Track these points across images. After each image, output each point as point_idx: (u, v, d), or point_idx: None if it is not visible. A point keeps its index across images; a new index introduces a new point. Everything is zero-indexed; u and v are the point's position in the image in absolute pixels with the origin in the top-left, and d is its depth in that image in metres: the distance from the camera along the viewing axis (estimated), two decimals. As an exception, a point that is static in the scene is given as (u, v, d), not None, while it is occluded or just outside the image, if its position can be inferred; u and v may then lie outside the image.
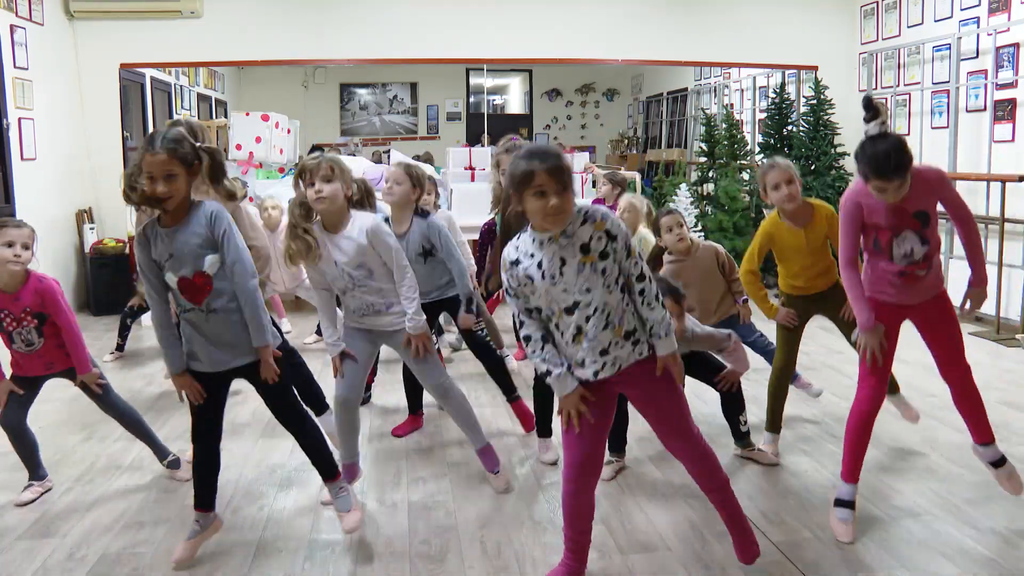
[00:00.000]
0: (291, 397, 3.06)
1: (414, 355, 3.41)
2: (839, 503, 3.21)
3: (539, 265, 2.48)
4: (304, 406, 3.14)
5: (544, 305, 2.54)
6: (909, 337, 3.27)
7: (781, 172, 3.62)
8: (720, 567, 2.94)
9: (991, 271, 6.52)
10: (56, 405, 4.71)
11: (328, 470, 3.09)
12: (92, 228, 7.72)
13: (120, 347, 6.00)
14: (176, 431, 4.23)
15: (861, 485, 3.57)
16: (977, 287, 3.19)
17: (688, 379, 3.13)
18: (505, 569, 2.93)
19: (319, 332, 6.11)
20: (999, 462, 3.27)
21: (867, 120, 2.92)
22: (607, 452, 3.80)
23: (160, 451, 3.77)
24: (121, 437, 4.18)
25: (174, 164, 2.71)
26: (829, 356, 5.62)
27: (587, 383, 2.59)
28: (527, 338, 2.59)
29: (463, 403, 3.62)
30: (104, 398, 3.62)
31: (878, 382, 3.13)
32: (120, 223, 7.84)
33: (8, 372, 3.52)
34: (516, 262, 2.51)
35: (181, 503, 3.46)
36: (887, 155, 2.82)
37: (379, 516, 3.37)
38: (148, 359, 5.91)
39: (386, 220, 3.97)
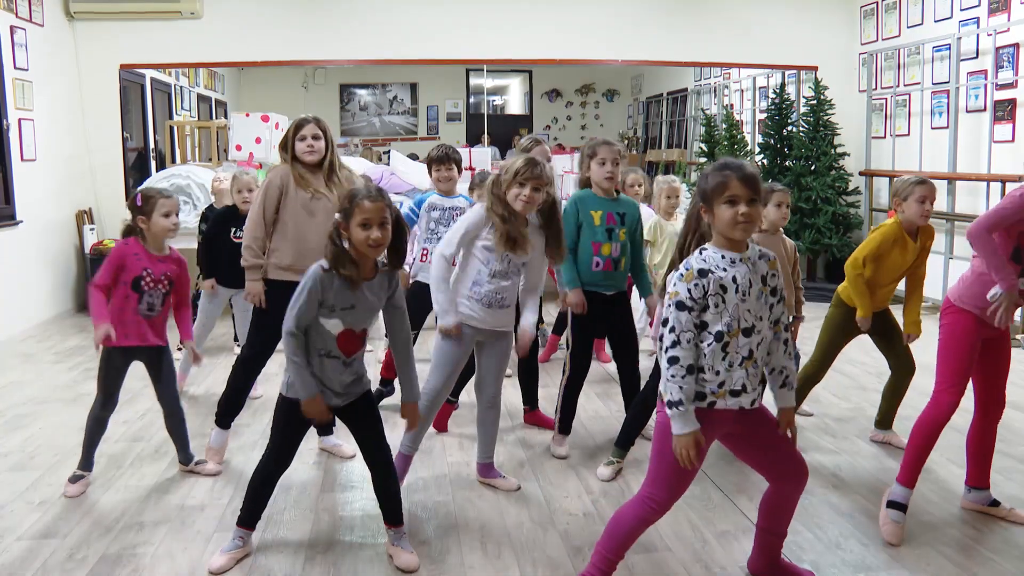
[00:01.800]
0: (385, 437, 3.05)
1: (523, 353, 3.67)
2: (892, 504, 3.20)
3: (734, 279, 2.46)
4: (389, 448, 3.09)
5: (722, 322, 2.46)
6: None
7: (932, 189, 3.70)
8: (720, 567, 2.94)
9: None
10: (56, 406, 4.72)
11: (395, 516, 3.04)
12: (92, 229, 7.73)
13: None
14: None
15: (859, 484, 3.59)
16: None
17: None
18: (505, 569, 2.93)
19: None
20: (995, 502, 3.33)
21: None
22: (612, 451, 3.83)
23: (187, 456, 3.80)
24: (121, 439, 4.19)
25: (387, 212, 2.81)
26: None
27: (721, 415, 2.53)
28: (674, 359, 2.44)
29: (498, 417, 3.69)
30: (169, 381, 3.70)
31: (958, 392, 3.15)
32: (120, 224, 7.83)
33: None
34: (707, 271, 2.46)
35: (181, 504, 3.46)
36: None
37: (380, 517, 3.37)
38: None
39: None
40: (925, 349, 3.95)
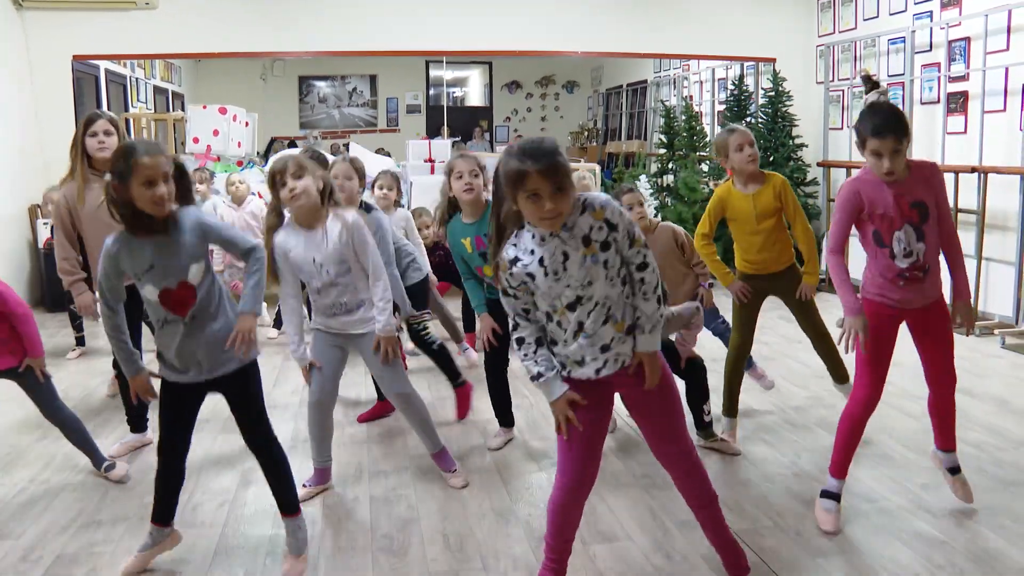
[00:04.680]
0: (265, 418, 2.92)
1: (382, 359, 3.38)
2: (825, 494, 3.23)
3: (540, 262, 2.37)
4: (274, 432, 2.96)
5: (546, 303, 2.44)
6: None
7: (743, 135, 3.78)
8: (681, 555, 2.96)
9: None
10: (11, 405, 4.63)
11: (289, 504, 2.93)
12: (46, 223, 7.58)
13: (80, 341, 5.91)
14: (122, 435, 4.14)
15: (818, 471, 3.63)
16: (960, 300, 3.18)
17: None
18: (467, 562, 2.94)
19: (277, 325, 6.12)
20: (955, 470, 3.34)
21: (867, 91, 3.03)
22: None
23: (97, 459, 3.69)
24: (77, 435, 4.12)
25: (168, 163, 2.63)
26: (788, 346, 5.68)
27: (587, 383, 2.50)
28: (519, 340, 2.48)
29: (422, 410, 3.58)
30: (47, 398, 3.55)
31: (874, 385, 3.14)
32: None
33: None
34: (515, 260, 2.39)
35: (140, 501, 3.42)
36: (885, 115, 2.89)
37: (340, 511, 3.36)
38: (108, 355, 5.81)
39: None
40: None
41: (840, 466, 3.23)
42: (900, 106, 7.37)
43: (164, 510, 2.91)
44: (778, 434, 4.17)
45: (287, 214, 3.30)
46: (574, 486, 2.57)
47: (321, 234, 3.23)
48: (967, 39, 6.61)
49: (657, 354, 2.52)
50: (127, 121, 9.58)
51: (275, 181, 3.18)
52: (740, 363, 4.05)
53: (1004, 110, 6.28)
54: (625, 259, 2.44)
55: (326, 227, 3.24)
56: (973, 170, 6.34)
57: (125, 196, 2.58)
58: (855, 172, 3.11)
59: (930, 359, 3.21)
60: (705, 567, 2.88)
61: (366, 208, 4.01)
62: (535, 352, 2.49)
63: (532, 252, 2.38)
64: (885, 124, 2.87)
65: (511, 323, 2.50)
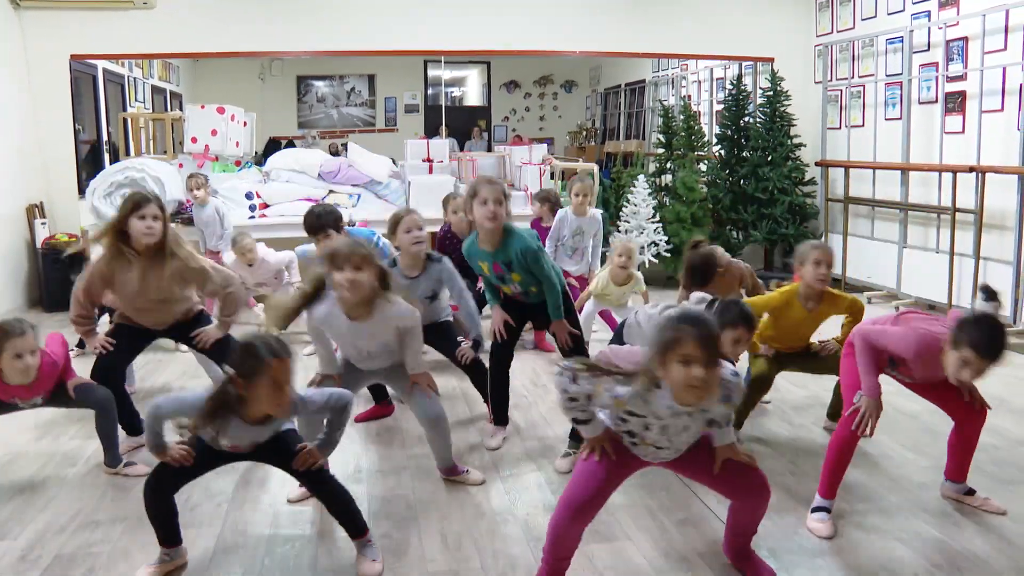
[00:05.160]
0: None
1: (427, 394, 3.45)
2: (817, 509, 3.20)
3: (663, 429, 2.46)
4: (327, 472, 3.00)
5: (635, 428, 2.52)
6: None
7: (826, 253, 3.74)
8: (679, 555, 2.96)
9: (943, 260, 6.67)
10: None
11: (357, 529, 2.95)
12: (44, 223, 7.58)
13: (81, 343, 5.90)
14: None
15: (815, 471, 3.61)
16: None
17: None
18: (466, 561, 2.93)
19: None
20: (971, 491, 3.35)
21: (984, 295, 3.13)
22: (568, 444, 3.83)
23: (115, 457, 3.70)
24: (76, 436, 4.12)
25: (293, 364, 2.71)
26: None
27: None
28: (572, 398, 2.51)
29: (446, 432, 3.57)
30: (85, 391, 3.64)
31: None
32: (72, 218, 7.72)
33: None
34: (636, 416, 2.45)
35: (138, 500, 3.39)
36: (995, 336, 2.81)
37: (339, 511, 3.35)
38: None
39: (393, 263, 4.04)
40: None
41: (830, 488, 3.21)
42: (898, 106, 7.38)
43: (170, 534, 2.91)
44: (778, 434, 4.17)
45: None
46: (578, 511, 2.60)
47: (369, 326, 3.27)
48: (965, 39, 6.62)
49: (735, 443, 2.66)
50: (125, 121, 9.58)
51: (333, 261, 3.15)
52: (755, 394, 3.98)
53: (1002, 110, 6.28)
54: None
55: (373, 321, 3.26)
56: (971, 169, 6.34)
57: (249, 395, 2.65)
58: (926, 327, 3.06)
59: (948, 404, 3.28)
60: (704, 566, 2.88)
61: (434, 259, 4.07)
62: (584, 408, 2.55)
63: (659, 417, 2.44)
64: (990, 347, 2.79)
65: (568, 395, 2.53)
